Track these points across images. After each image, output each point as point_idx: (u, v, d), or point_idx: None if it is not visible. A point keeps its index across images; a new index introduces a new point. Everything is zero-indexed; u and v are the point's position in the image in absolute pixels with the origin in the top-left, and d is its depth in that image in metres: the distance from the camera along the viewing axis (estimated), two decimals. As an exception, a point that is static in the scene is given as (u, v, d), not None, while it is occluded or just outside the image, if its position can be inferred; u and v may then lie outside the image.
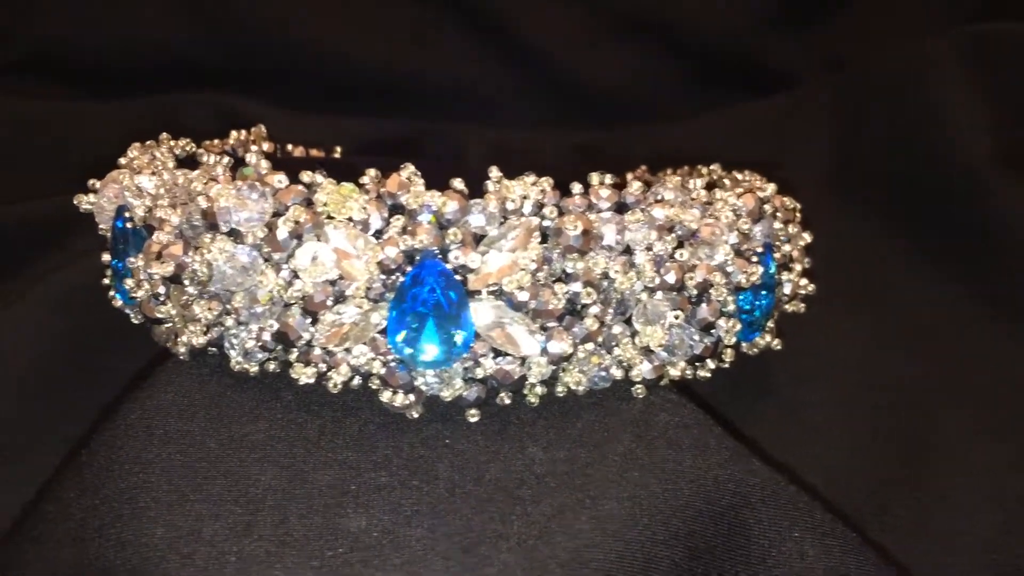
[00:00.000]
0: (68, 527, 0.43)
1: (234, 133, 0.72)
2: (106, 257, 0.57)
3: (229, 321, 0.48)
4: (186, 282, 0.48)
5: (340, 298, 0.46)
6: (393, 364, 0.46)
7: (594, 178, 0.48)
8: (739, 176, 0.62)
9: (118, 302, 0.56)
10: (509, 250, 0.45)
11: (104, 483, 0.45)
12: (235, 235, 0.47)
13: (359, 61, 1.00)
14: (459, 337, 0.44)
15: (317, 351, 0.47)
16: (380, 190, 0.46)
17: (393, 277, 0.45)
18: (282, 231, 0.45)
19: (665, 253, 0.47)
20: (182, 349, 0.51)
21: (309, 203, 0.47)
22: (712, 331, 0.50)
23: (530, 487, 0.44)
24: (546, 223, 0.46)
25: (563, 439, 0.47)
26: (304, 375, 0.47)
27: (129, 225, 0.52)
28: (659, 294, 0.48)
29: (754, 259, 0.51)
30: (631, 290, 0.47)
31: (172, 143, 0.61)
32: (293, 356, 0.48)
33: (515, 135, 1.01)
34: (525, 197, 0.45)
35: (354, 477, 0.45)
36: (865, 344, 0.71)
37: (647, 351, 0.48)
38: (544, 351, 0.46)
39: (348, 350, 0.47)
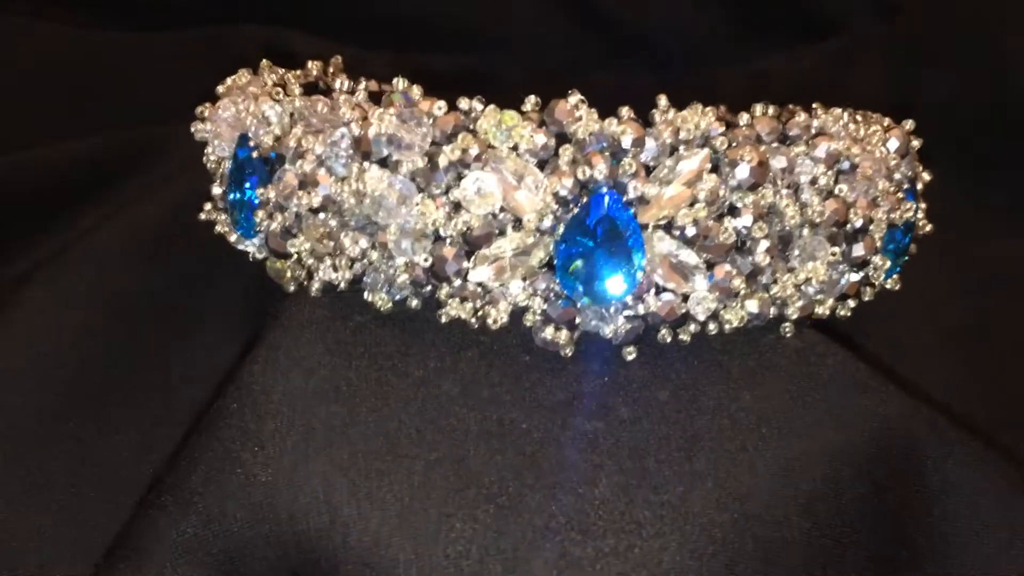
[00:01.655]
0: (235, 473, 0.42)
1: (311, 64, 0.69)
2: (217, 190, 0.54)
3: (375, 255, 0.46)
4: (329, 214, 0.46)
5: (502, 231, 0.44)
6: (554, 299, 0.45)
7: (758, 109, 0.46)
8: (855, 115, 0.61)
9: (233, 236, 0.53)
10: (682, 182, 0.44)
11: (260, 426, 0.43)
12: (385, 164, 0.45)
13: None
14: (637, 271, 0.43)
15: (471, 286, 0.45)
16: (544, 118, 0.44)
17: (566, 209, 0.43)
18: (444, 160, 0.43)
19: (828, 187, 0.46)
20: (317, 285, 0.49)
21: (469, 131, 0.45)
22: (863, 268, 0.49)
23: (706, 427, 0.43)
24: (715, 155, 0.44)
25: (725, 380, 0.46)
26: (462, 311, 0.45)
27: (255, 155, 0.50)
28: (819, 229, 0.46)
29: (900, 195, 0.50)
30: (796, 225, 0.45)
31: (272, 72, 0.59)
32: (444, 292, 0.46)
33: (568, 77, 0.98)
34: (697, 127, 0.44)
35: (527, 416, 0.43)
36: (948, 289, 0.71)
37: (800, 288, 0.47)
38: (714, 286, 0.45)
39: (504, 284, 0.45)
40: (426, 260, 0.45)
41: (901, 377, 0.51)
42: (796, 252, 0.47)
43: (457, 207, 0.44)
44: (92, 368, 0.58)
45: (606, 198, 0.43)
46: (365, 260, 0.47)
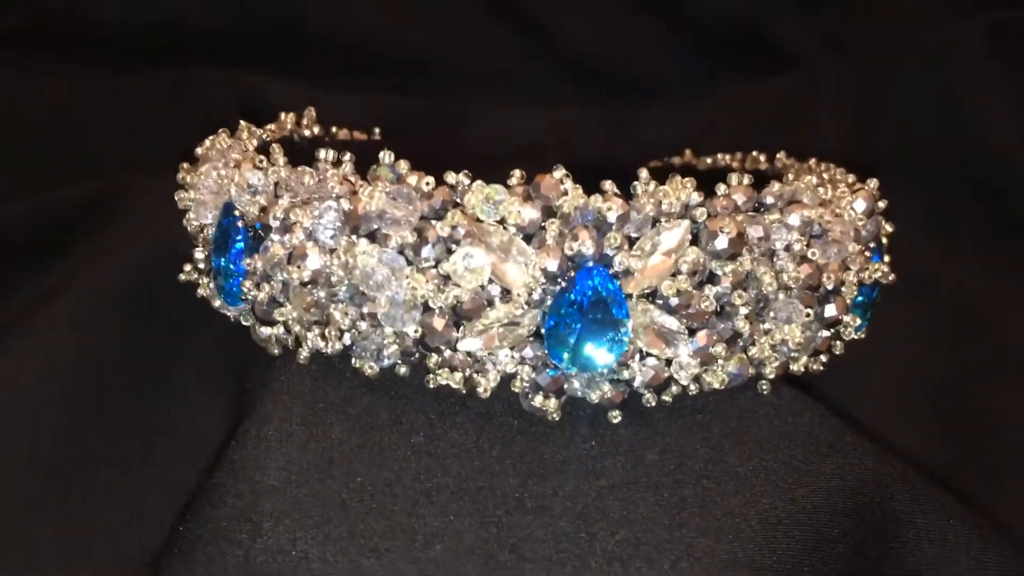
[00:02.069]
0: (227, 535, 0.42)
1: (284, 116, 0.70)
2: (199, 254, 0.55)
3: (363, 325, 0.47)
4: (318, 286, 0.47)
5: (490, 303, 0.45)
6: (542, 367, 0.46)
7: (734, 179, 0.48)
8: (813, 166, 0.63)
9: (216, 301, 0.54)
10: (663, 253, 0.45)
11: (255, 495, 0.44)
12: (373, 237, 0.46)
13: (372, 37, 0.97)
14: (624, 340, 0.44)
15: (460, 355, 0.46)
16: (531, 192, 0.45)
17: (553, 283, 0.44)
18: (433, 236, 0.44)
19: (802, 252, 0.48)
20: (305, 354, 0.49)
21: (455, 205, 0.46)
22: (835, 327, 0.51)
23: (693, 491, 0.44)
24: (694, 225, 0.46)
25: (708, 442, 0.47)
26: (452, 380, 0.46)
27: (240, 224, 0.50)
28: (793, 293, 0.48)
29: (867, 254, 0.52)
30: (773, 290, 0.47)
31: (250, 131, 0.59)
32: (432, 360, 0.47)
33: (530, 112, 1.00)
34: (678, 199, 0.45)
35: (521, 484, 0.44)
36: (906, 328, 0.74)
37: (776, 348, 0.49)
38: (697, 352, 0.46)
39: (492, 354, 0.46)
40: (416, 331, 0.46)
41: (870, 430, 0.53)
42: (772, 315, 0.48)
43: (446, 280, 0.45)
44: (65, 437, 0.57)
45: (593, 272, 0.44)
46: (354, 330, 0.47)
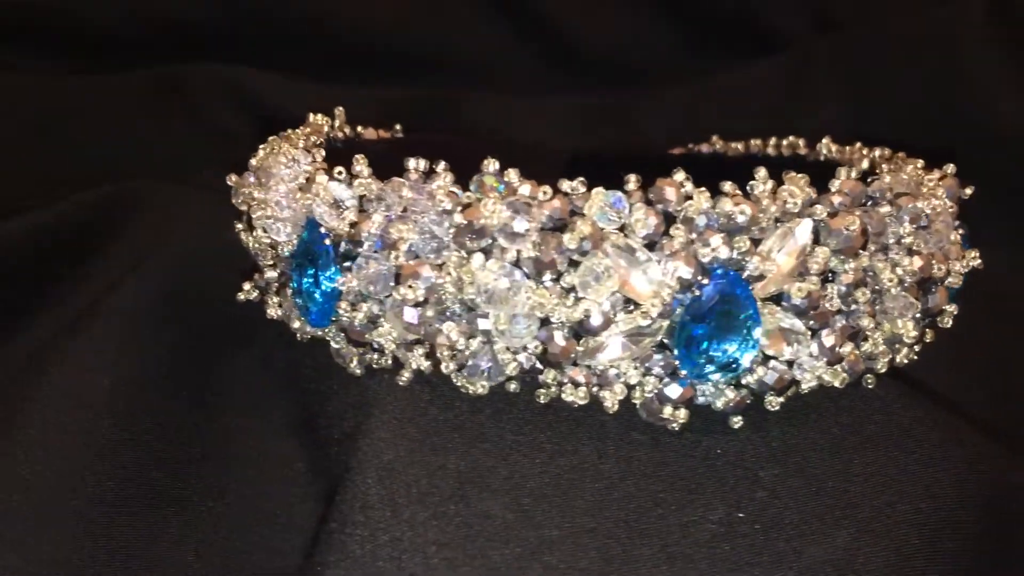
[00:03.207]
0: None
1: (312, 117, 0.66)
2: (271, 273, 0.51)
3: (474, 343, 0.45)
4: (427, 305, 0.44)
5: (616, 314, 0.43)
6: (669, 378, 0.45)
7: (843, 173, 0.47)
8: (863, 151, 0.63)
9: (296, 323, 0.50)
10: (789, 253, 0.44)
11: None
12: (487, 252, 0.44)
13: (362, 29, 0.93)
14: (754, 345, 0.43)
15: (582, 370, 0.45)
16: (651, 197, 0.44)
17: (687, 291, 0.43)
18: (556, 247, 0.42)
19: (911, 244, 0.47)
20: (407, 375, 0.47)
21: (571, 213, 0.44)
22: (937, 317, 0.51)
23: (793, 495, 0.44)
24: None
25: (830, 447, 0.47)
26: (577, 397, 0.44)
27: (327, 241, 0.47)
28: (904, 285, 0.48)
29: (959, 242, 0.52)
30: (892, 285, 0.46)
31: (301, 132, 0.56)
32: (550, 376, 0.45)
33: (529, 102, 0.98)
34: (801, 198, 0.44)
35: (651, 501, 0.43)
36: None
37: (888, 343, 0.49)
38: (823, 352, 0.45)
39: (617, 367, 0.44)
40: (537, 347, 0.44)
41: (976, 418, 0.53)
42: (885, 310, 0.48)
43: (569, 293, 0.43)
44: (116, 444, 0.54)
45: (725, 277, 0.42)
46: (466, 349, 0.45)
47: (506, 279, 0.43)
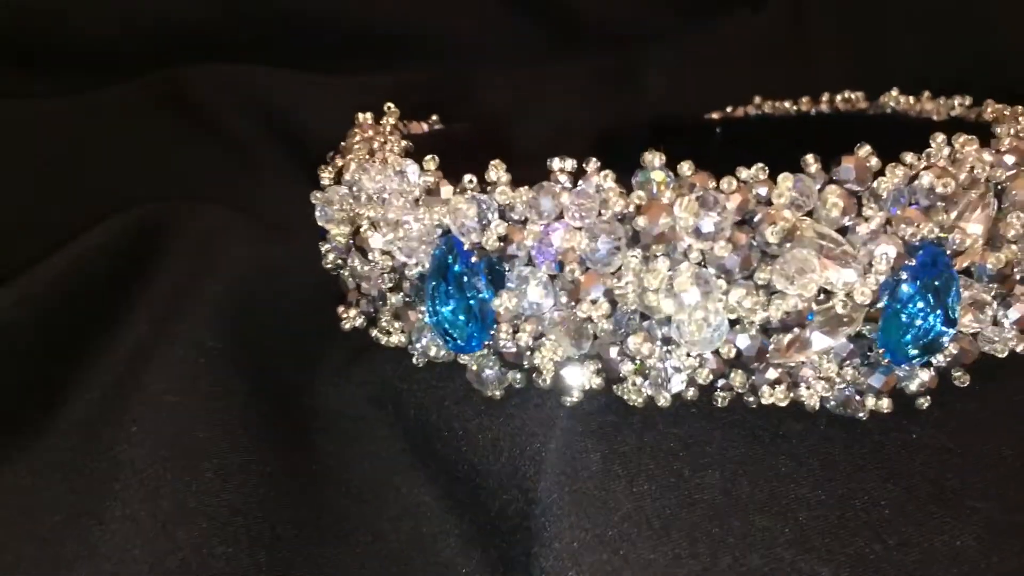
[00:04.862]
0: None
1: (361, 117, 0.60)
2: (396, 298, 0.47)
3: (657, 352, 0.41)
4: (604, 316, 0.41)
5: (812, 307, 0.40)
6: (867, 369, 0.42)
7: (1004, 132, 0.45)
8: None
9: (433, 350, 0.46)
10: (978, 221, 0.41)
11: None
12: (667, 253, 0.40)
13: (355, 16, 0.87)
14: (955, 322, 0.41)
15: (775, 371, 0.42)
16: (834, 177, 0.40)
17: (893, 276, 0.40)
18: (749, 243, 0.39)
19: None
20: (577, 395, 0.43)
21: (757, 203, 0.40)
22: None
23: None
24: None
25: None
26: (776, 398, 0.41)
27: (474, 259, 0.42)
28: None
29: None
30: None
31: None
32: (738, 379, 0.42)
33: (531, 71, 0.93)
34: (983, 165, 0.42)
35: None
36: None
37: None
38: (1017, 322, 0.43)
39: (814, 363, 0.42)
40: (729, 351, 0.41)
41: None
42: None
43: (764, 290, 0.40)
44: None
45: (928, 254, 0.40)
46: (649, 359, 0.41)
47: (697, 282, 0.39)
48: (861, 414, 0.43)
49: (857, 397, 0.42)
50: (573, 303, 0.41)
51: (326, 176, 0.54)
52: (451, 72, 0.89)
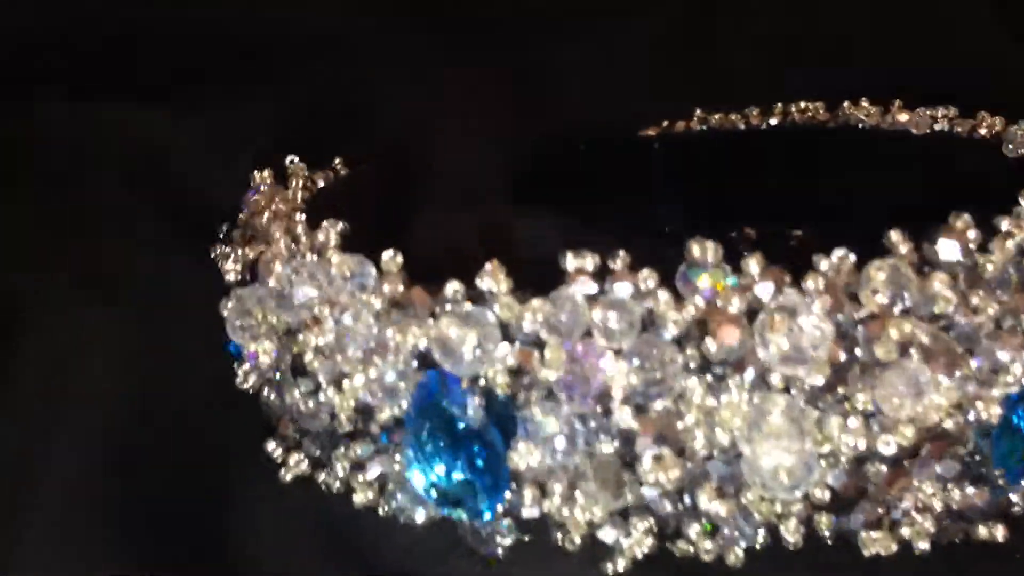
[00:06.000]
0: None
1: (258, 177, 0.47)
2: (359, 448, 0.35)
3: (728, 503, 0.32)
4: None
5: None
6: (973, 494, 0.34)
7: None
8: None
9: (418, 512, 0.35)
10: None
11: None
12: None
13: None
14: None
15: (868, 505, 0.33)
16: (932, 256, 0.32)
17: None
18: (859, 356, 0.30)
19: None
20: (621, 563, 0.33)
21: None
22: None
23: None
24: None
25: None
26: (883, 546, 0.32)
27: (478, 401, 0.32)
28: None
29: None
30: None
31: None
32: (823, 522, 0.33)
33: (428, 77, 0.81)
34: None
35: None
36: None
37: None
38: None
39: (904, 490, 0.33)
40: (823, 492, 0.31)
41: None
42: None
43: (862, 416, 0.31)
44: None
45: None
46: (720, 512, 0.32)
47: (782, 411, 0.30)
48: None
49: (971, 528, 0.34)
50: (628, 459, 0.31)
51: (230, 267, 0.42)
52: (337, 88, 0.76)
